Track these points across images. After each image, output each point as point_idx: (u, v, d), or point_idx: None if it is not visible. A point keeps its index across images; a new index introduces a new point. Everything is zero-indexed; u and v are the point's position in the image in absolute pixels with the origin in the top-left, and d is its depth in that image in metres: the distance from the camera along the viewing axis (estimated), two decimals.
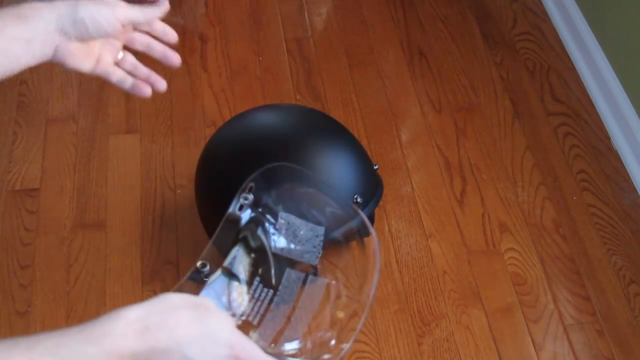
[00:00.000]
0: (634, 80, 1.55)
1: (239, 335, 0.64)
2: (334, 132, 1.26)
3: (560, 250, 1.40)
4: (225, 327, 0.64)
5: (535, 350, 1.27)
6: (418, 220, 1.42)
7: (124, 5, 0.75)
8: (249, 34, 1.74)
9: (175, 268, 1.33)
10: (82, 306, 1.27)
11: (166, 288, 1.30)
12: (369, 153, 1.32)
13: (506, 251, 1.39)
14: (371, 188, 1.21)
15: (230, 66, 1.67)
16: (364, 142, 1.49)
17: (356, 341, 1.26)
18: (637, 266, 1.38)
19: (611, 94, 1.59)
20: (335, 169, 1.18)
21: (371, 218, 1.30)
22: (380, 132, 1.56)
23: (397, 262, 1.36)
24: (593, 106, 1.64)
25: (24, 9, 0.73)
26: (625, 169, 1.54)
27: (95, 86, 1.60)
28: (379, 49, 1.73)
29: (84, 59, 0.77)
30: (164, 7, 0.78)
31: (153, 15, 0.78)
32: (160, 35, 0.81)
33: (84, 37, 0.74)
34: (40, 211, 1.39)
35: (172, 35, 0.81)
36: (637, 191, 1.50)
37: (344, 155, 1.22)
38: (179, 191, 1.44)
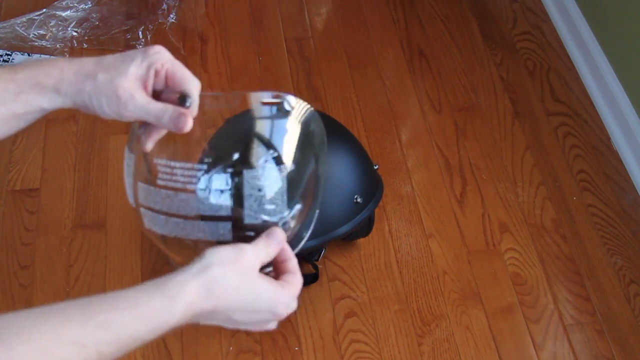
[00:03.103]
0: (634, 80, 1.55)
1: (277, 295, 0.67)
2: (334, 132, 1.26)
3: (560, 250, 1.40)
4: (266, 293, 0.66)
5: (535, 350, 1.27)
6: (418, 220, 1.42)
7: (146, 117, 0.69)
8: (249, 34, 1.74)
9: (174, 268, 1.32)
10: None
11: None
12: (369, 153, 1.31)
13: (506, 251, 1.39)
14: (371, 188, 1.21)
15: (230, 66, 1.67)
16: (364, 142, 1.49)
17: (356, 341, 1.26)
18: (637, 266, 1.38)
19: (611, 94, 1.59)
20: (336, 169, 1.18)
21: (371, 218, 1.30)
22: (380, 132, 1.56)
23: (397, 262, 1.36)
24: (593, 106, 1.64)
25: (42, 75, 0.68)
26: (625, 169, 1.54)
27: None
28: (379, 49, 1.73)
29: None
30: (185, 127, 0.70)
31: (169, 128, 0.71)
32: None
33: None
34: (40, 211, 1.39)
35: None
36: (637, 191, 1.50)
37: (344, 155, 1.22)
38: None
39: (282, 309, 0.68)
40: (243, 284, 0.65)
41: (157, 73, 0.70)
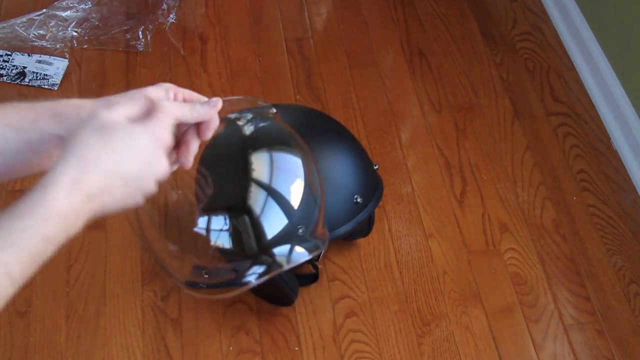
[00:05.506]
0: (634, 80, 1.55)
1: (145, 129, 0.63)
2: (334, 132, 1.26)
3: (560, 250, 1.40)
4: (142, 137, 0.63)
5: (535, 350, 1.27)
6: (418, 220, 1.42)
7: (172, 105, 0.69)
8: (249, 34, 1.74)
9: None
10: (82, 306, 1.27)
11: (166, 288, 1.30)
12: (369, 153, 1.31)
13: (506, 251, 1.39)
14: (371, 188, 1.21)
15: (230, 66, 1.67)
16: (364, 142, 1.49)
17: (356, 341, 1.26)
18: (637, 266, 1.38)
19: (611, 94, 1.59)
20: (336, 169, 1.18)
21: (371, 218, 1.30)
22: (380, 132, 1.56)
23: (397, 262, 1.36)
24: (593, 106, 1.64)
25: (61, 105, 0.67)
26: (625, 169, 1.54)
27: (95, 86, 1.60)
28: (379, 49, 1.73)
29: None
30: (217, 105, 0.72)
31: (203, 116, 0.71)
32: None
33: None
34: None
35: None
36: (637, 191, 1.50)
37: (344, 155, 1.22)
38: (180, 191, 1.43)
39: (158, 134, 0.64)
40: (107, 134, 0.61)
41: (175, 97, 0.72)
